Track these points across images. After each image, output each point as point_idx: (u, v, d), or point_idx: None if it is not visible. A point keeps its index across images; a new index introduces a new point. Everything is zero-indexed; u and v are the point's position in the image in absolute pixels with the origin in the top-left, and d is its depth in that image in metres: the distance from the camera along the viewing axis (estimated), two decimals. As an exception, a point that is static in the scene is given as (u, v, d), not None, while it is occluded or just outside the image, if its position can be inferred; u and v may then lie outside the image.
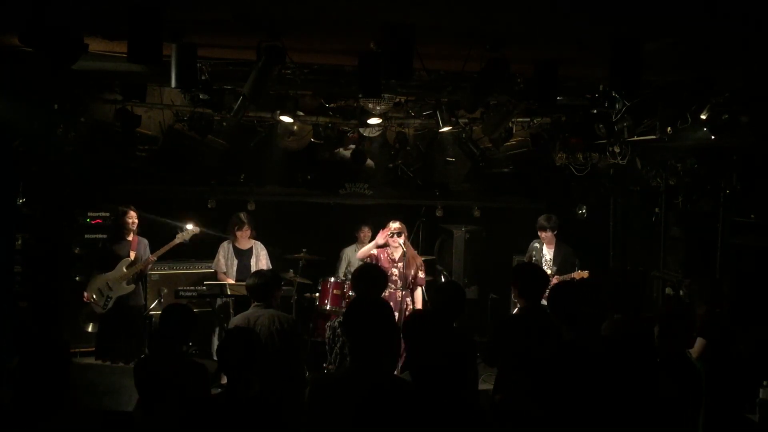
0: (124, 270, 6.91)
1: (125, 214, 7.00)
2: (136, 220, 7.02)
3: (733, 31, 3.99)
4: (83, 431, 3.05)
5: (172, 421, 3.37)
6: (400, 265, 6.74)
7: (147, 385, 3.89)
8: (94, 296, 6.87)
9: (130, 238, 7.02)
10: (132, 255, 6.97)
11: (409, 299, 6.71)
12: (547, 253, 7.46)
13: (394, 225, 6.75)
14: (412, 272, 6.72)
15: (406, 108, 7.30)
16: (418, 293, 6.81)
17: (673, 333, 4.06)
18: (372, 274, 4.76)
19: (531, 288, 4.52)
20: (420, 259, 6.87)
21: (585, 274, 6.95)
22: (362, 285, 4.69)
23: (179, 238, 7.04)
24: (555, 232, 7.40)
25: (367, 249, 6.87)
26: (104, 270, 6.90)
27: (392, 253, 6.78)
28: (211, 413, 3.20)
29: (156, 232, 7.31)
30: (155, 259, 7.09)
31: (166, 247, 7.03)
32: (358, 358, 3.17)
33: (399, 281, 6.71)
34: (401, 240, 6.72)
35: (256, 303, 4.81)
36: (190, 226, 7.10)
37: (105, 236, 7.53)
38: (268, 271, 5.45)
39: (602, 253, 9.07)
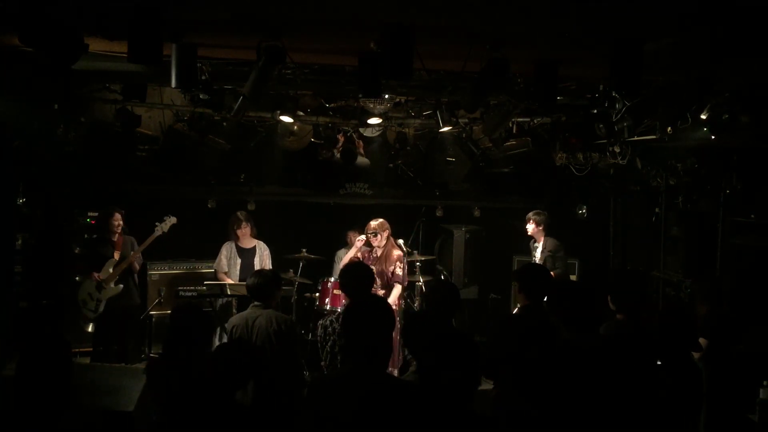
0: (110, 271, 6.92)
1: (111, 216, 7.02)
2: (122, 222, 7.03)
3: (733, 31, 3.99)
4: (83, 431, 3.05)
5: (192, 425, 3.36)
6: (378, 263, 6.76)
7: (164, 389, 3.88)
8: (86, 302, 6.87)
9: (115, 239, 7.04)
10: (116, 255, 6.98)
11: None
12: (538, 248, 7.52)
13: (372, 224, 6.77)
14: (390, 269, 6.69)
15: (406, 108, 7.30)
16: (394, 292, 6.69)
17: (674, 333, 4.06)
18: (357, 273, 4.72)
19: (531, 287, 4.52)
20: (398, 256, 6.75)
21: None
22: (349, 284, 4.68)
23: (158, 230, 7.10)
24: (540, 227, 7.44)
25: (349, 255, 6.91)
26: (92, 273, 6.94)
27: (375, 251, 6.81)
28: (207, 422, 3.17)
29: (140, 231, 7.32)
30: (139, 255, 7.10)
31: (147, 242, 7.07)
32: (356, 358, 3.15)
33: (377, 279, 6.71)
34: (379, 239, 6.72)
35: (255, 303, 4.81)
36: (166, 217, 7.16)
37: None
38: (269, 270, 5.44)
39: (602, 253, 9.08)
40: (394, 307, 6.66)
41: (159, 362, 4.10)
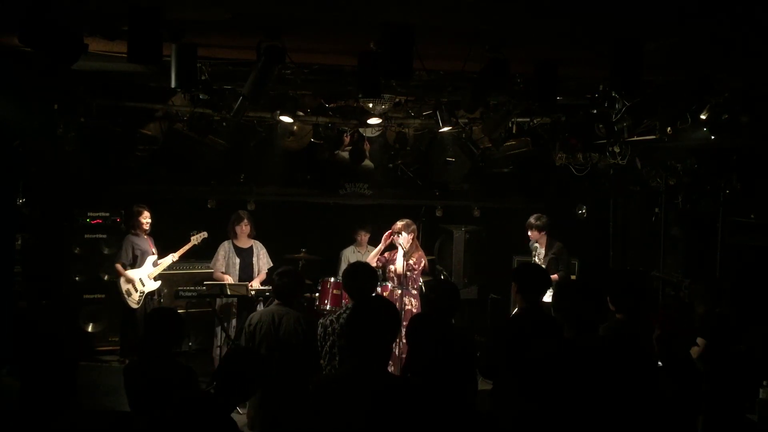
0: (153, 267, 7.11)
1: (140, 213, 7.16)
2: (150, 220, 7.17)
3: (733, 31, 4.00)
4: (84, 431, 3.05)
5: (163, 425, 3.36)
6: (400, 262, 6.80)
7: (138, 390, 3.91)
8: (129, 292, 7.01)
9: (146, 236, 7.20)
10: (155, 252, 7.18)
11: (407, 299, 6.71)
12: (541, 251, 7.51)
13: (399, 224, 6.84)
14: (407, 272, 6.73)
15: (406, 108, 7.29)
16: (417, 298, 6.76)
17: (674, 333, 4.07)
18: (360, 273, 4.73)
19: (529, 287, 4.50)
20: (419, 262, 6.83)
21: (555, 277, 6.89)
22: (352, 285, 4.69)
23: (194, 240, 7.29)
24: (543, 232, 7.42)
25: (375, 252, 6.99)
26: (133, 266, 7.09)
27: (397, 251, 6.84)
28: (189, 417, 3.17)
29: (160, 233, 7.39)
30: (177, 258, 7.27)
31: (185, 248, 7.27)
32: (358, 359, 3.15)
33: (395, 278, 6.78)
34: (401, 239, 6.76)
35: (277, 302, 4.91)
36: (199, 232, 7.37)
37: (105, 236, 7.55)
38: (294, 272, 5.34)
39: (602, 253, 9.07)
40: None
41: (133, 365, 4.15)
